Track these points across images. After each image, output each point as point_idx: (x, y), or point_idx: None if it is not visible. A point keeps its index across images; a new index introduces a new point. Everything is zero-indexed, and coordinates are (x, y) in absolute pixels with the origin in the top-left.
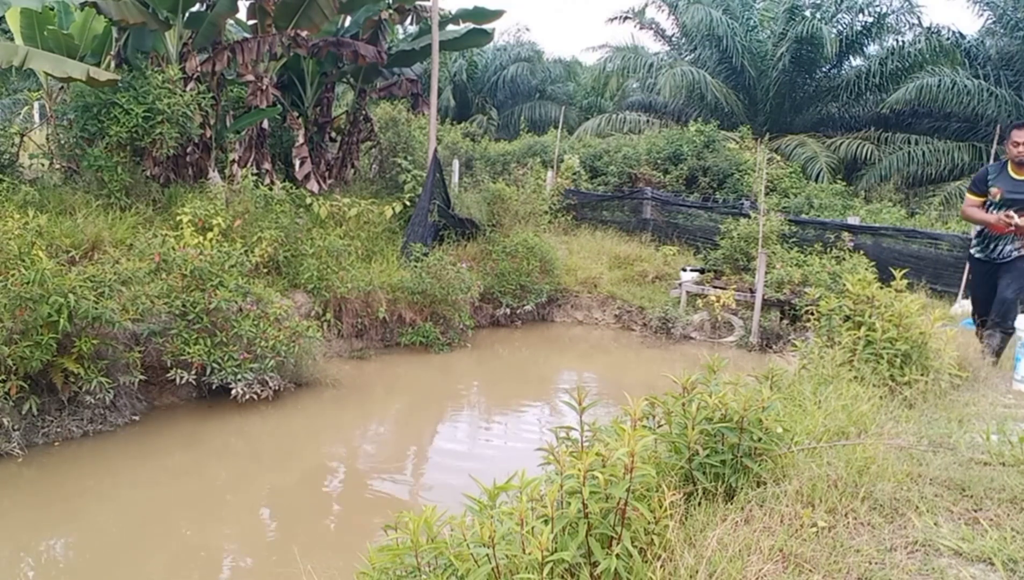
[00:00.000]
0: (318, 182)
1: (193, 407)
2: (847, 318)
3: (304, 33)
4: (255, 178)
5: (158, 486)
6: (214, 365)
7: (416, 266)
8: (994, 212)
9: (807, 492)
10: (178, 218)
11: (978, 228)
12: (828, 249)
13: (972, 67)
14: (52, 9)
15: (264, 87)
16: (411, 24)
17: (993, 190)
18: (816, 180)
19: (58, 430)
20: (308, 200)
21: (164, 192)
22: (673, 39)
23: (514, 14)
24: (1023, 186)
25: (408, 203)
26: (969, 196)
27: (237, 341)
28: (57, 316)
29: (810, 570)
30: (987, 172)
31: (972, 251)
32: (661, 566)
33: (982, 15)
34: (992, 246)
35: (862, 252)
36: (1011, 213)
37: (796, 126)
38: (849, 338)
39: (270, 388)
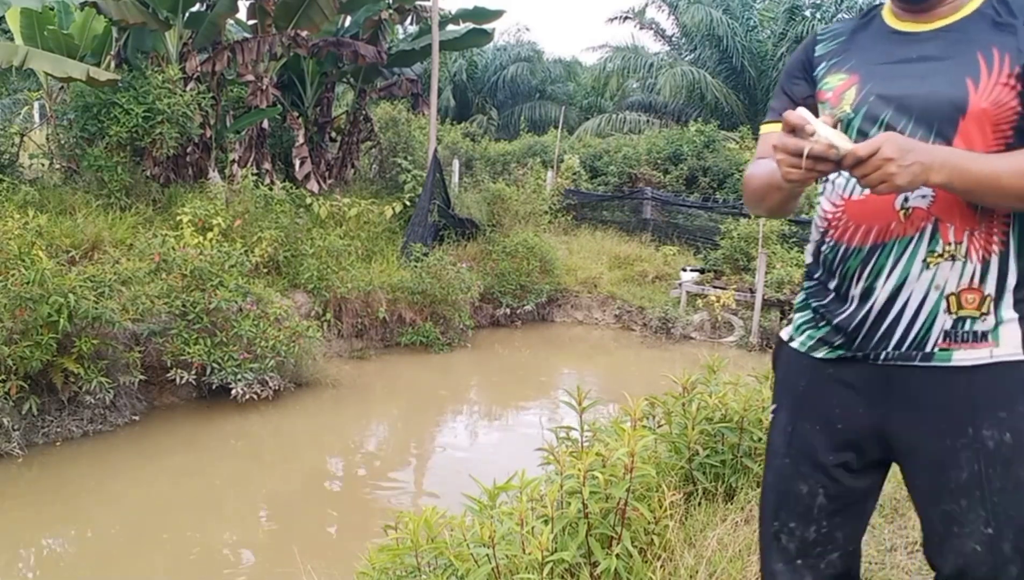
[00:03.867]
0: (318, 182)
1: (193, 407)
2: None
3: (304, 33)
4: (255, 178)
5: (158, 486)
6: (214, 365)
7: (416, 266)
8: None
9: None
10: (178, 218)
11: (810, 248)
12: None
13: None
14: (52, 9)
15: (264, 87)
16: (411, 24)
17: (836, 82)
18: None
19: (58, 430)
20: (308, 200)
21: (164, 192)
22: (673, 39)
23: (514, 14)
24: (915, 47)
25: (408, 203)
26: (766, 131)
27: (237, 341)
28: (57, 316)
29: None
30: (813, 45)
31: (787, 333)
32: (661, 566)
33: None
34: (857, 289)
35: None
36: (803, 116)
37: None
38: None
39: (270, 388)
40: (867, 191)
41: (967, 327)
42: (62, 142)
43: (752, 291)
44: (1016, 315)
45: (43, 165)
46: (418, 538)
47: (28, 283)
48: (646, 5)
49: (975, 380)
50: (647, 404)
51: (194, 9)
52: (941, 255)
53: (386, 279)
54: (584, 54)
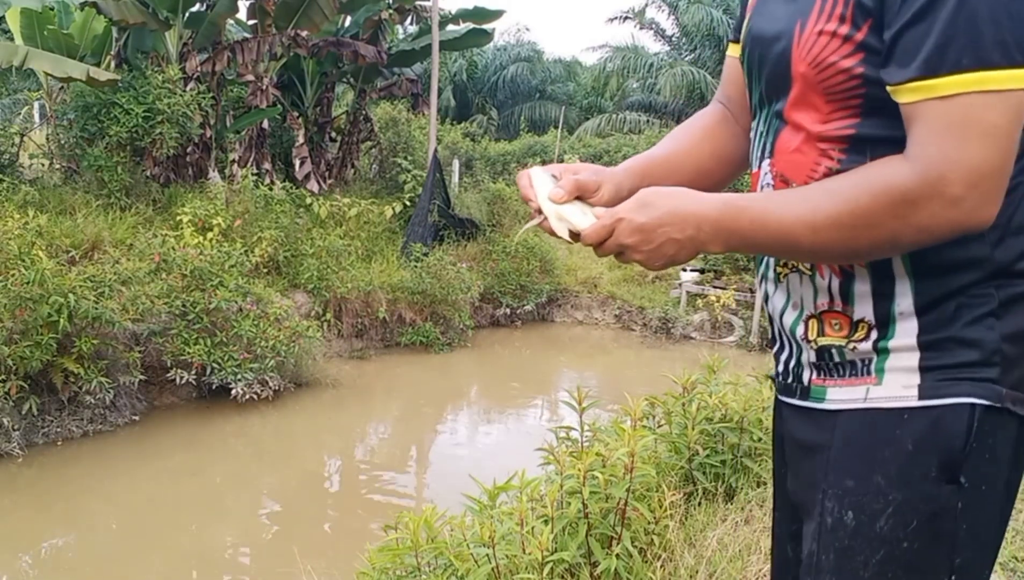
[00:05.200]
0: (318, 182)
1: (193, 407)
2: None
3: (304, 33)
4: (255, 178)
5: (158, 486)
6: (214, 365)
7: (416, 266)
8: None
9: None
10: (178, 218)
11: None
12: None
13: None
14: (52, 9)
15: (264, 87)
16: (411, 24)
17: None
18: None
19: (58, 430)
20: (308, 200)
21: (164, 192)
22: (673, 39)
23: (514, 14)
24: None
25: (408, 203)
26: (727, 55)
27: (237, 341)
28: (57, 316)
29: None
30: None
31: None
32: (661, 566)
33: None
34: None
35: None
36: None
37: None
38: None
39: (270, 388)
40: (756, 166)
41: (836, 359)
42: (62, 142)
43: (752, 291)
44: (913, 342)
45: (43, 165)
46: (418, 538)
47: (28, 283)
48: (646, 5)
49: (837, 428)
50: (647, 404)
51: (194, 9)
52: (787, 265)
53: (386, 279)
54: (584, 54)
